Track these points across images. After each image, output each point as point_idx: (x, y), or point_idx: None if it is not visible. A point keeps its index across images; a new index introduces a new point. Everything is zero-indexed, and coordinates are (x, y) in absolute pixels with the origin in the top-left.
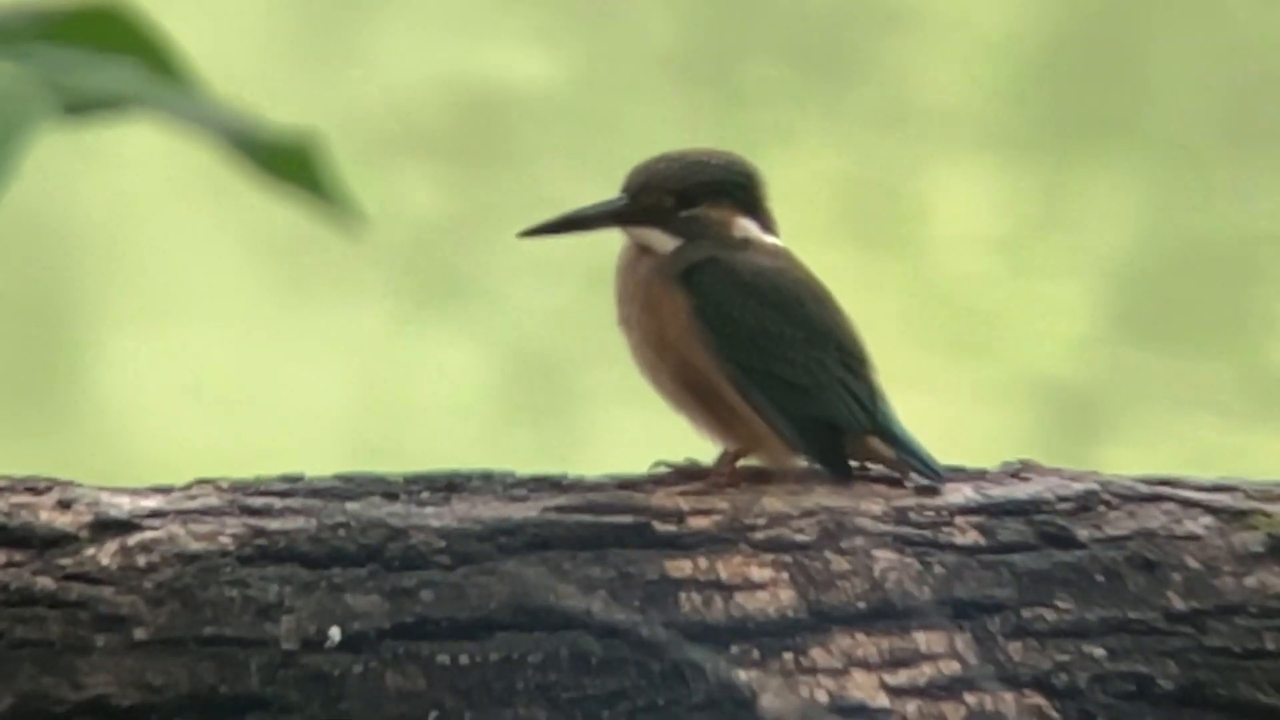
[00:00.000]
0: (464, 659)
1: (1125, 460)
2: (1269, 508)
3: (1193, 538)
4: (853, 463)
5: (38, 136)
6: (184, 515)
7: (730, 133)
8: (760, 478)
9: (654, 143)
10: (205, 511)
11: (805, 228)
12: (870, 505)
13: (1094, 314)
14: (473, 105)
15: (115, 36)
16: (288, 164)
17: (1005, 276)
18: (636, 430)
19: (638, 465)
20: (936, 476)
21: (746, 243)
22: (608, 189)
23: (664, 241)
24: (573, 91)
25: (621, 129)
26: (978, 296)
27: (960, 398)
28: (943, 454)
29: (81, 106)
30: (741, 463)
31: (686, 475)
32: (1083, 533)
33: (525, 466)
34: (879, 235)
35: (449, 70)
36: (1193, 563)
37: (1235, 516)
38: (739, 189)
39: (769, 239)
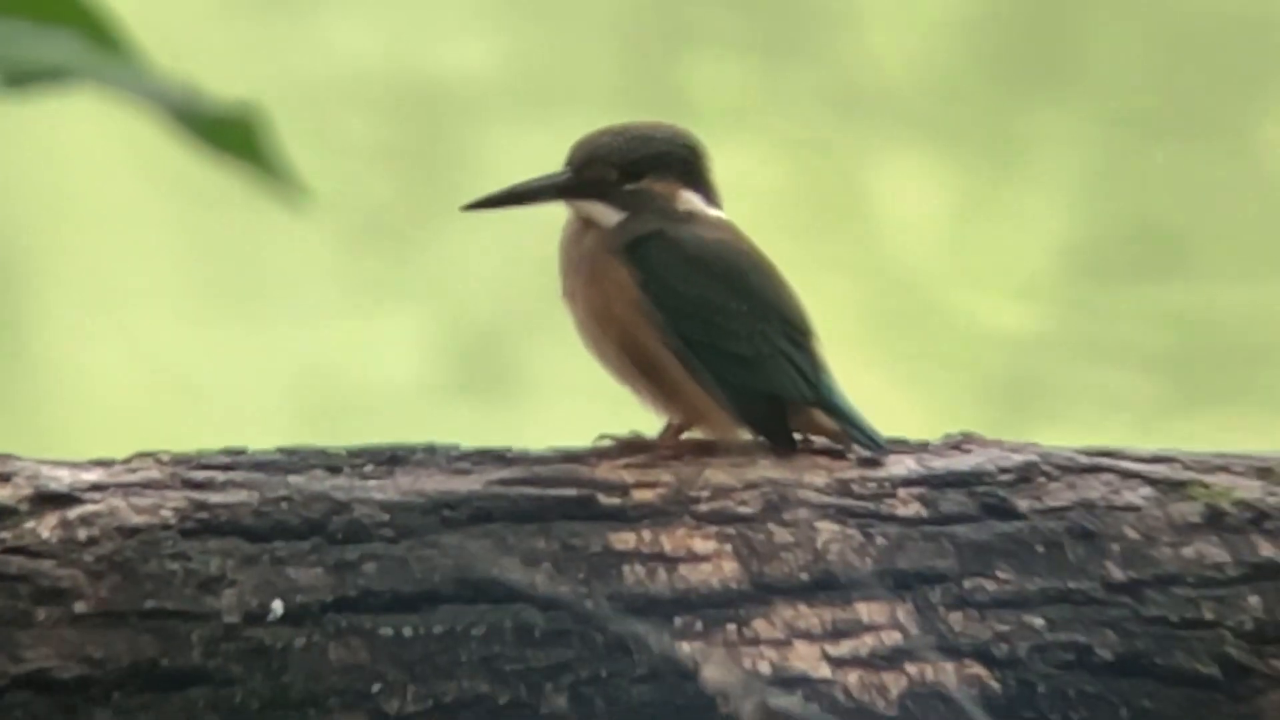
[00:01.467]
0: (407, 631)
1: (1066, 425)
2: (1207, 478)
3: (1131, 508)
4: (795, 435)
5: None
6: (125, 488)
7: (674, 116)
8: (704, 450)
9: (596, 110)
10: (146, 485)
11: (751, 211)
12: (813, 477)
13: (1036, 292)
14: (418, 81)
15: (57, 8)
16: (230, 136)
17: (949, 256)
18: (581, 404)
19: (582, 438)
20: (879, 449)
21: (691, 215)
22: (550, 157)
23: (608, 215)
24: (517, 72)
25: (566, 111)
26: (922, 276)
27: (904, 374)
28: (885, 428)
29: (23, 78)
30: (685, 435)
31: (631, 448)
32: (1023, 504)
33: (469, 439)
34: (823, 218)
35: (394, 48)
36: (1131, 533)
37: (1173, 487)
38: (683, 162)
39: (713, 211)
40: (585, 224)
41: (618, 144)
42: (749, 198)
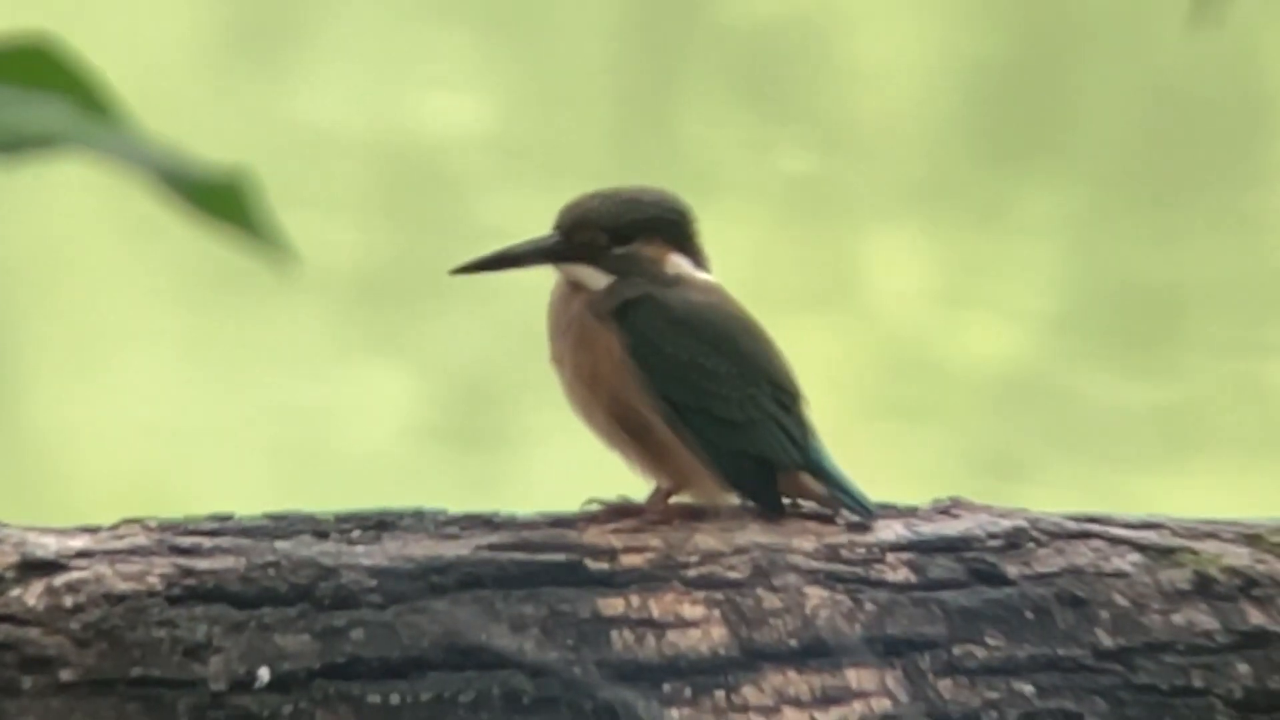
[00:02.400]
0: (395, 699)
1: (1054, 490)
2: (1196, 545)
3: (1120, 575)
4: (784, 499)
5: None
6: (111, 555)
7: (664, 176)
8: (693, 515)
9: (585, 175)
10: (133, 551)
11: (738, 272)
12: (802, 542)
13: (1024, 356)
14: (406, 140)
15: (46, 74)
16: (219, 201)
17: (937, 319)
18: (569, 467)
19: (570, 502)
20: (867, 513)
21: (679, 279)
22: (540, 223)
23: (596, 279)
24: (504, 127)
25: (552, 166)
26: (910, 338)
27: (890, 436)
28: (872, 491)
29: (12, 145)
30: (674, 500)
31: (619, 512)
32: (1012, 570)
33: (456, 503)
34: (812, 280)
35: (380, 105)
36: (1121, 600)
37: (1162, 554)
38: (672, 226)
39: (701, 275)
40: (574, 287)
41: (606, 208)
42: (737, 255)
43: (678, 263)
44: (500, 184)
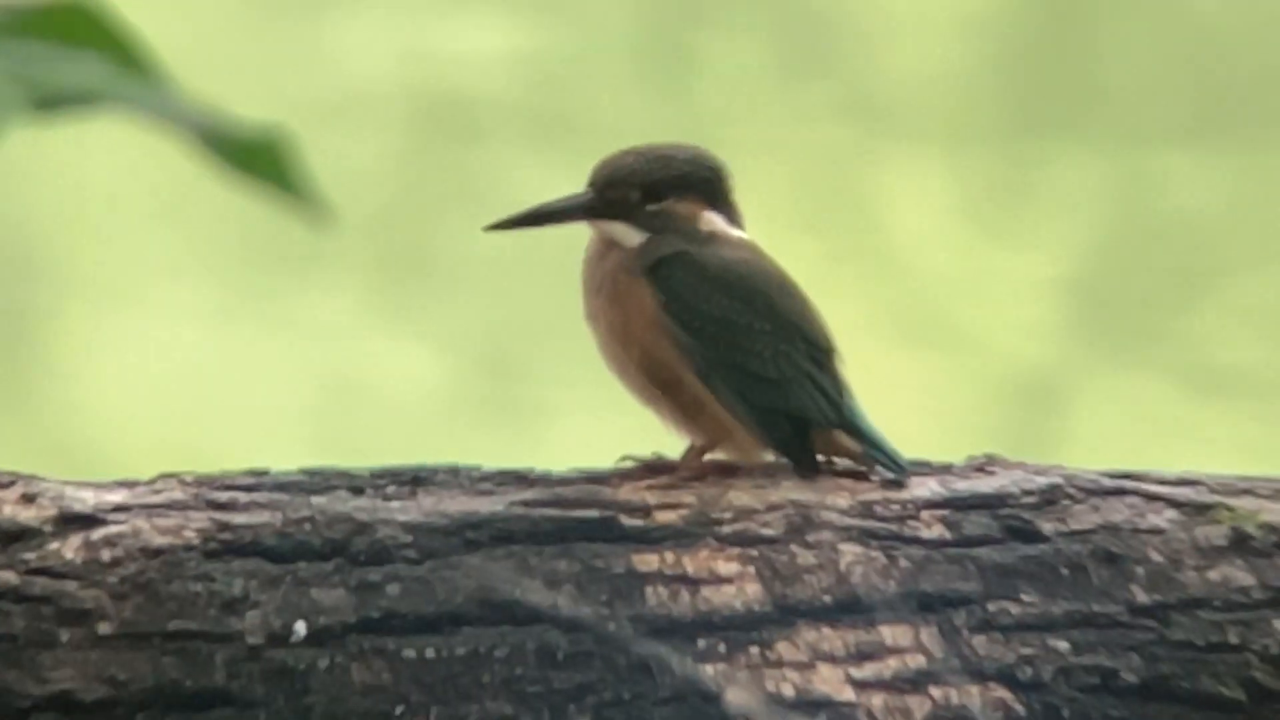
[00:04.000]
0: (430, 653)
1: (1087, 447)
2: (1232, 501)
3: (1156, 531)
4: (819, 457)
5: (9, 132)
6: (149, 510)
7: (689, 119)
8: (727, 472)
9: (613, 129)
10: (170, 506)
11: (764, 216)
12: (836, 499)
13: (1054, 302)
14: (434, 93)
15: (84, 32)
16: (256, 159)
17: (965, 266)
18: (603, 424)
19: (604, 459)
20: (901, 471)
21: (713, 236)
22: (569, 175)
23: (630, 235)
24: (532, 78)
25: (582, 117)
26: (938, 287)
27: (924, 390)
28: (907, 448)
29: (51, 102)
30: (708, 457)
31: (653, 469)
32: (1047, 526)
33: (491, 461)
34: (838, 225)
35: (410, 57)
36: (1156, 556)
37: (1198, 510)
38: (705, 183)
39: (735, 232)
40: (607, 245)
41: (640, 165)
42: (763, 214)
43: (711, 219)
44: (532, 138)
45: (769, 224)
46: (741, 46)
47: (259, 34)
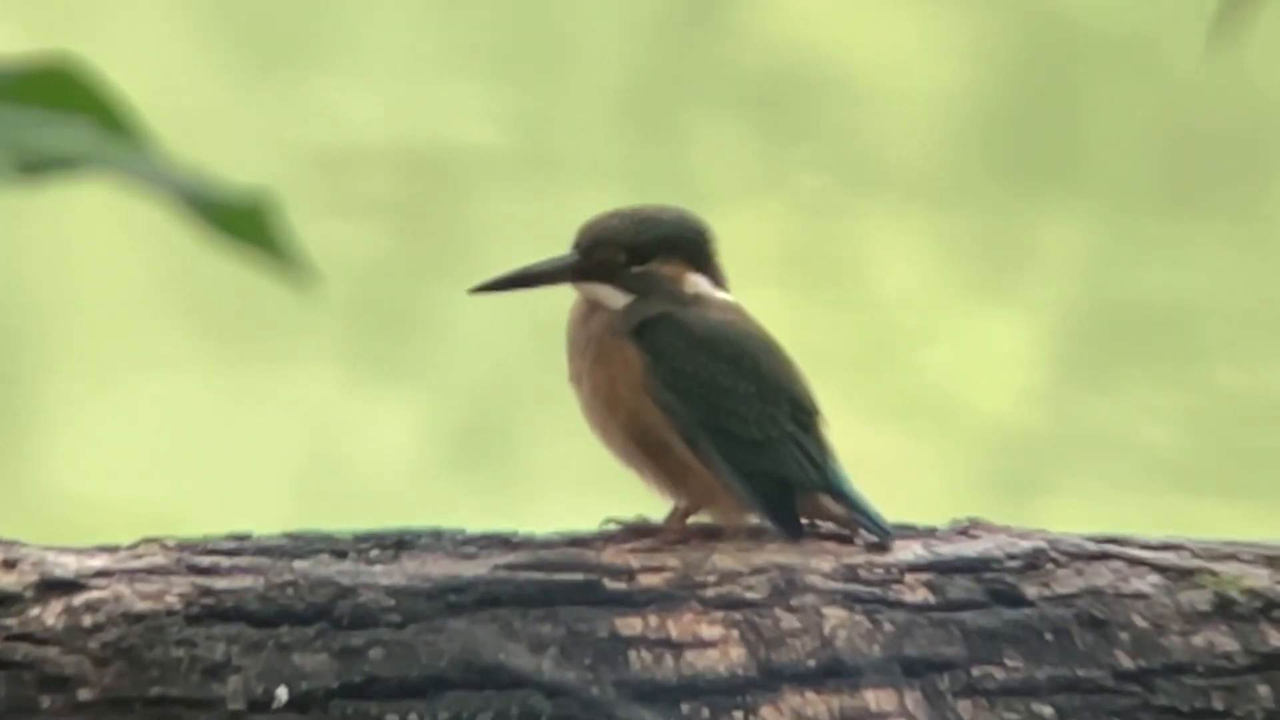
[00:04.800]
0: (413, 718)
1: (1070, 511)
2: (1216, 566)
3: (1140, 596)
4: (803, 520)
5: None
6: (130, 575)
7: (675, 185)
8: (711, 534)
9: (599, 195)
10: (152, 570)
11: (748, 279)
12: (820, 563)
13: (1036, 365)
14: (418, 158)
15: (69, 96)
16: (241, 222)
17: (948, 329)
18: (587, 487)
19: (588, 523)
20: (885, 534)
21: (698, 298)
22: (555, 237)
23: (615, 297)
24: (518, 143)
25: (566, 183)
26: (921, 350)
27: (906, 453)
28: (889, 508)
29: (36, 166)
30: (692, 519)
31: (637, 532)
32: (1031, 591)
33: (474, 524)
34: (822, 288)
35: (394, 124)
36: (1140, 621)
37: (1182, 575)
38: (690, 245)
39: (720, 294)
40: (592, 306)
41: (625, 227)
42: (748, 262)
43: (696, 281)
44: (515, 193)
45: (749, 281)
46: (728, 102)
47: (244, 90)
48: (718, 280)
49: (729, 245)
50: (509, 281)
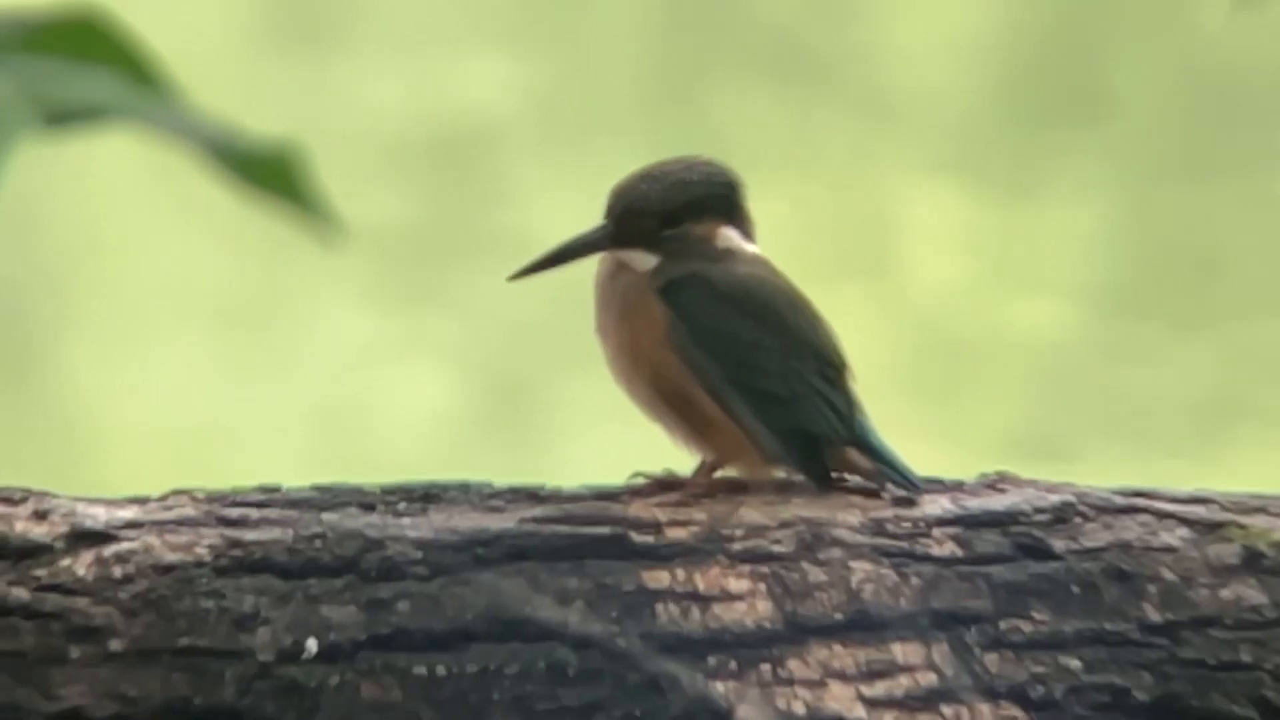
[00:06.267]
0: (440, 670)
1: (1098, 471)
2: (1244, 519)
3: (1168, 549)
4: (831, 473)
5: (20, 148)
6: (160, 526)
7: (698, 147)
8: (738, 488)
9: (623, 157)
10: (181, 522)
11: (775, 244)
12: (847, 516)
13: (1065, 326)
14: (445, 119)
15: (95, 47)
16: (268, 174)
17: (975, 291)
18: (613, 441)
19: (615, 476)
20: (913, 488)
21: (728, 253)
22: (579, 203)
23: (647, 260)
24: (543, 107)
25: (591, 144)
26: (949, 312)
27: (934, 408)
28: (916, 463)
29: (62, 117)
30: (719, 473)
31: (664, 486)
32: (1059, 544)
33: (501, 478)
34: (848, 254)
35: (421, 85)
36: (1168, 574)
37: (1210, 528)
38: (721, 200)
39: (749, 248)
40: (620, 262)
41: (656, 194)
42: (773, 229)
43: (728, 236)
44: (540, 158)
45: (778, 240)
46: (751, 62)
47: (272, 60)
48: (747, 231)
49: (751, 199)
50: (546, 262)
